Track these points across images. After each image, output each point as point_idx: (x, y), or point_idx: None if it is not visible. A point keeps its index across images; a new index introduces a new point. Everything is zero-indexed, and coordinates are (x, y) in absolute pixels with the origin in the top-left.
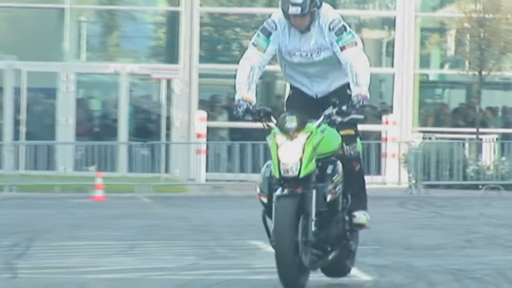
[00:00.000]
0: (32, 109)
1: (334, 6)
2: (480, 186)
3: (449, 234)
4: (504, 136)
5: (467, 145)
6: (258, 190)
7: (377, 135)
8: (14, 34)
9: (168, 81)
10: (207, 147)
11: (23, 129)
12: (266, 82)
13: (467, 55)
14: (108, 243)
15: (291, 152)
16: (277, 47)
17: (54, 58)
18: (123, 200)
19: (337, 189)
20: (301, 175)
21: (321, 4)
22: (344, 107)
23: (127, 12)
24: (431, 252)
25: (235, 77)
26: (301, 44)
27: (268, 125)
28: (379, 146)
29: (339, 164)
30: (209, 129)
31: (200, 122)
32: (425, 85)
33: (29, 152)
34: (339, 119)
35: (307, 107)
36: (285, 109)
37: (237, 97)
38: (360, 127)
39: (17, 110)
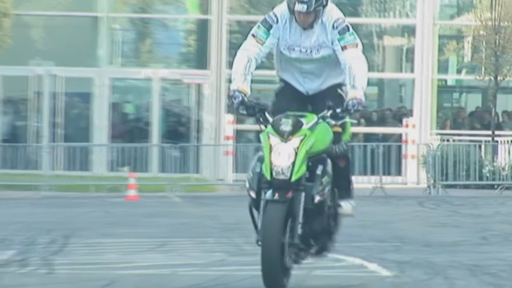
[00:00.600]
0: (69, 113)
1: (357, 14)
2: (496, 186)
3: (466, 232)
4: None
5: (483, 147)
6: (247, 185)
7: (398, 138)
8: (51, 41)
9: (198, 86)
10: (235, 149)
11: (60, 131)
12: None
13: (483, 61)
14: (140, 240)
15: (284, 155)
16: (277, 41)
17: (90, 64)
18: (155, 199)
19: (325, 190)
20: (293, 179)
21: (327, 2)
22: (338, 110)
23: (159, 20)
24: (448, 249)
25: (260, 82)
26: (302, 39)
27: (261, 121)
28: (399, 148)
29: (329, 164)
30: (236, 132)
31: (228, 125)
32: (443, 90)
33: (65, 154)
34: (332, 122)
35: (296, 102)
36: (275, 101)
37: (232, 87)
38: (381, 130)
39: (54, 114)
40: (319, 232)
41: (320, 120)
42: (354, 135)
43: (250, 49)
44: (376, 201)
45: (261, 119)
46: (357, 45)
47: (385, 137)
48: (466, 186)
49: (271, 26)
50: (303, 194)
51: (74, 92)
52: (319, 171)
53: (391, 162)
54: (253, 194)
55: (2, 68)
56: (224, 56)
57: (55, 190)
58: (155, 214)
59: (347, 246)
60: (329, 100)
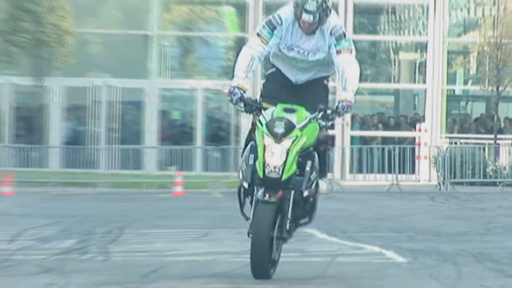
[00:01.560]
0: (123, 119)
1: (375, 32)
2: (498, 183)
3: (471, 224)
4: None
5: (486, 149)
6: (240, 175)
7: (412, 140)
8: (108, 56)
9: None
10: None
11: (115, 135)
12: None
13: (487, 73)
14: (185, 231)
15: (277, 155)
16: (279, 41)
17: (141, 76)
18: (199, 195)
19: (313, 186)
20: (283, 177)
21: (330, 12)
22: (329, 111)
23: (202, 37)
24: (456, 238)
25: None
26: (301, 42)
27: (258, 119)
28: (413, 150)
29: (316, 158)
30: None
31: None
32: (452, 99)
33: (120, 155)
34: (323, 123)
35: (286, 90)
36: (266, 84)
37: (233, 83)
38: (397, 133)
39: (110, 120)
40: (301, 217)
41: (312, 121)
42: (373, 138)
43: (254, 48)
44: (393, 196)
45: (257, 117)
46: (351, 51)
47: (401, 140)
48: (471, 183)
49: (275, 27)
50: (292, 192)
51: (128, 100)
52: (308, 167)
53: (406, 162)
54: (246, 185)
55: (65, 80)
56: (259, 69)
57: (111, 187)
58: (198, 208)
59: (367, 236)
60: (314, 89)
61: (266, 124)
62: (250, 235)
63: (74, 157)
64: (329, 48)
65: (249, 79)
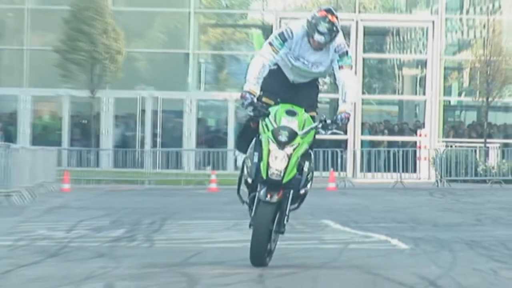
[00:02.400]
0: (165, 125)
1: (382, 51)
2: (487, 181)
3: (465, 215)
4: (504, 145)
5: (477, 151)
6: (245, 171)
7: (413, 144)
8: (152, 71)
9: None
10: None
11: (158, 139)
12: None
13: (478, 86)
14: (219, 222)
15: (279, 159)
16: (289, 51)
17: (181, 89)
18: (230, 191)
19: (309, 184)
20: (284, 180)
21: (338, 32)
22: (329, 121)
23: (233, 56)
24: (452, 228)
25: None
26: (307, 54)
27: (265, 124)
28: (414, 152)
29: (312, 159)
30: None
31: None
32: (448, 108)
33: (163, 156)
34: (323, 132)
35: (284, 88)
36: (267, 79)
37: (245, 88)
38: (401, 138)
39: (154, 126)
40: (293, 209)
41: (313, 130)
42: (380, 142)
43: (266, 56)
44: (397, 192)
45: (263, 122)
46: (351, 67)
47: (404, 144)
48: (465, 181)
49: (286, 40)
50: (291, 192)
51: (169, 110)
52: (306, 168)
53: (408, 163)
54: (249, 180)
55: (115, 92)
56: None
57: (155, 184)
58: (230, 202)
59: (375, 226)
60: (308, 89)
61: (272, 131)
62: (251, 227)
63: (123, 158)
64: (332, 62)
65: (259, 85)
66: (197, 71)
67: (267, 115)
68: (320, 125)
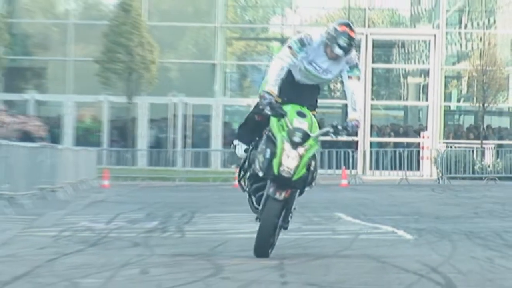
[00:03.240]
0: (195, 128)
1: (389, 61)
2: (483, 178)
3: (463, 209)
4: (499, 146)
5: (475, 151)
6: (257, 165)
7: (417, 145)
8: (183, 79)
9: None
10: None
11: (188, 141)
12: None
13: (475, 93)
14: (243, 215)
15: (291, 159)
16: (305, 55)
17: (209, 95)
18: None
19: (314, 182)
20: (294, 178)
21: (355, 46)
22: (340, 127)
23: (255, 66)
24: (452, 220)
25: (324, 107)
26: (320, 61)
27: (281, 124)
28: (418, 152)
29: (317, 159)
30: None
31: None
32: (448, 113)
33: (192, 156)
34: (334, 136)
35: (289, 84)
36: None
37: (264, 88)
38: (406, 139)
39: (185, 129)
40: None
41: (324, 133)
42: (387, 143)
43: (285, 59)
44: (402, 188)
45: (280, 122)
46: (359, 78)
47: (408, 145)
48: (463, 178)
49: (305, 45)
50: (298, 191)
51: (199, 114)
52: (312, 167)
53: (413, 162)
54: (260, 174)
55: (150, 98)
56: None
57: (185, 181)
58: None
59: (382, 218)
60: (310, 89)
61: (287, 132)
62: (258, 221)
63: (157, 158)
64: (341, 72)
65: (277, 86)
66: (223, 80)
67: (284, 115)
68: (332, 130)
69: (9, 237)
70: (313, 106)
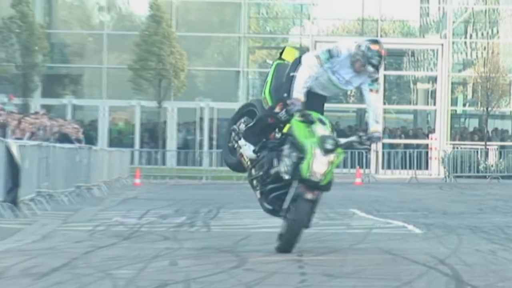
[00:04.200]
0: (220, 131)
1: (400, 69)
2: (487, 177)
3: (468, 205)
4: (501, 147)
5: (479, 152)
6: (283, 168)
7: (425, 146)
8: (209, 85)
9: None
10: None
11: (214, 142)
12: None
13: (479, 98)
14: None
15: (322, 164)
16: (331, 66)
17: (233, 100)
18: None
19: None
20: (323, 183)
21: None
22: (364, 138)
23: None
24: (458, 216)
25: (339, 111)
26: (344, 72)
27: (310, 130)
28: (426, 153)
29: None
30: None
31: None
32: (454, 116)
33: (218, 156)
34: (358, 146)
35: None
36: (289, 83)
37: (294, 96)
38: (415, 141)
39: (211, 131)
40: None
41: (350, 142)
42: (398, 144)
43: (313, 69)
44: (412, 186)
45: (309, 129)
46: (378, 91)
47: (418, 146)
48: (468, 177)
49: (333, 57)
50: (323, 193)
51: (223, 117)
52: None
53: (422, 161)
54: (287, 177)
55: (178, 103)
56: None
57: (211, 179)
58: None
59: (394, 214)
60: (320, 98)
61: (319, 138)
62: (286, 220)
63: (185, 158)
64: (361, 84)
65: (305, 94)
66: (246, 86)
67: (313, 122)
68: (357, 140)
69: (48, 231)
70: (321, 113)
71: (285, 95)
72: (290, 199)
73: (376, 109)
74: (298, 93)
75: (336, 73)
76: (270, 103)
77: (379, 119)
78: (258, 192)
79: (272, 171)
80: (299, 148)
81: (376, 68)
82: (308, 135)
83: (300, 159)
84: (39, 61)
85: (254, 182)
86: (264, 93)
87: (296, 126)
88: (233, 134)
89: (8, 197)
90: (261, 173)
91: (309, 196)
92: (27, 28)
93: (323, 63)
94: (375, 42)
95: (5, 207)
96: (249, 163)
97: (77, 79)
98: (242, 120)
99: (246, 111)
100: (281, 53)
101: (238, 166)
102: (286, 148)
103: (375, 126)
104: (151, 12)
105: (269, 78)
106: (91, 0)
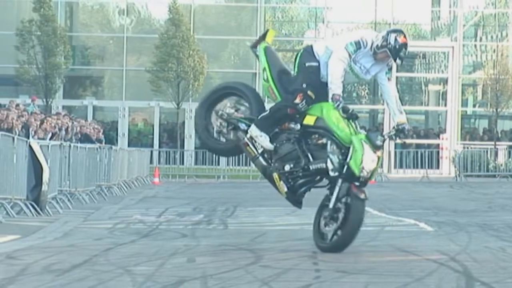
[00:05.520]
0: None
1: (411, 70)
2: (496, 176)
3: (478, 203)
4: (510, 146)
5: (489, 151)
6: (330, 166)
7: (437, 146)
8: None
9: None
10: None
11: None
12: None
13: (489, 99)
14: (280, 208)
15: (372, 161)
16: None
17: None
18: None
19: None
20: (372, 178)
21: None
22: (400, 129)
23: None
24: (468, 214)
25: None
26: (365, 61)
27: (353, 127)
28: (438, 152)
29: None
30: None
31: None
32: (465, 117)
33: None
34: (393, 139)
35: (320, 83)
36: (308, 74)
37: (336, 91)
38: (427, 141)
39: None
40: None
41: (390, 135)
42: (410, 144)
43: (344, 62)
44: (424, 184)
45: (352, 124)
46: (391, 79)
47: (429, 145)
48: (478, 176)
49: (360, 48)
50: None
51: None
52: None
53: (433, 161)
54: (334, 174)
55: (196, 104)
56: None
57: (228, 178)
58: None
59: (406, 212)
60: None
61: (367, 135)
62: (348, 223)
63: (202, 157)
64: (379, 72)
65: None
66: (262, 87)
67: (358, 118)
68: (394, 133)
69: (70, 229)
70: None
71: (304, 85)
72: (336, 197)
73: (397, 97)
74: (339, 88)
75: (358, 62)
76: (276, 92)
77: (401, 108)
78: (284, 186)
79: (313, 166)
80: (342, 144)
81: (403, 60)
82: (353, 131)
83: (346, 156)
84: (61, 63)
85: (276, 175)
86: (267, 81)
87: (336, 121)
88: (217, 118)
89: (31, 195)
90: (296, 168)
91: (362, 195)
92: (50, 30)
93: (351, 55)
94: (401, 33)
95: (28, 205)
96: (259, 153)
97: (97, 81)
98: (228, 104)
99: (224, 93)
100: (264, 36)
101: (227, 152)
102: (329, 144)
103: (401, 117)
104: (170, 16)
105: (265, 64)
106: (111, 4)
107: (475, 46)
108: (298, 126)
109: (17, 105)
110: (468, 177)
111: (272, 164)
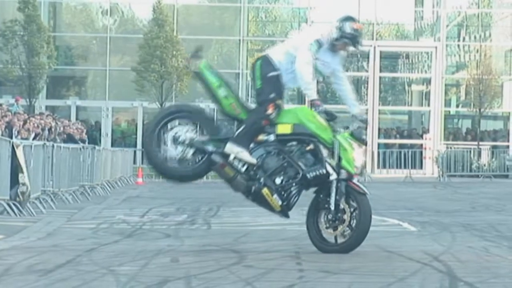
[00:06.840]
0: None
1: (394, 71)
2: (480, 176)
3: (462, 204)
4: (493, 147)
5: (472, 151)
6: (330, 169)
7: (420, 146)
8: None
9: None
10: None
11: None
12: None
13: (472, 100)
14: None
15: (361, 157)
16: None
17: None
18: None
19: None
20: (361, 175)
21: None
22: (366, 122)
23: None
24: (451, 214)
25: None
26: (325, 56)
27: (332, 128)
28: (421, 152)
29: None
30: None
31: None
32: (448, 117)
33: None
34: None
35: (283, 89)
36: (275, 83)
37: (314, 96)
38: (410, 141)
39: None
40: None
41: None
42: (393, 144)
43: (311, 63)
44: (407, 185)
45: (330, 125)
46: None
47: (413, 146)
48: (462, 176)
49: (321, 46)
50: None
51: (224, 118)
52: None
53: (416, 161)
54: (335, 176)
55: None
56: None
57: (212, 179)
58: None
59: (389, 212)
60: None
61: (353, 132)
62: (359, 223)
63: None
64: (337, 65)
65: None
66: (246, 88)
67: (336, 117)
68: (363, 126)
69: (53, 229)
70: None
71: (272, 95)
72: (335, 198)
73: (352, 89)
74: (314, 92)
75: (319, 59)
76: (239, 108)
77: (356, 101)
78: (279, 200)
79: (311, 174)
80: (326, 147)
81: (361, 46)
82: (331, 130)
83: (338, 157)
84: (44, 63)
85: (267, 190)
86: (228, 98)
87: (318, 125)
88: (176, 146)
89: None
90: (289, 179)
91: (363, 190)
92: (34, 30)
93: (315, 54)
94: (353, 19)
95: (12, 206)
96: (242, 171)
97: (81, 81)
98: (186, 128)
99: (170, 118)
100: (196, 53)
101: (191, 177)
102: (321, 150)
103: (358, 108)
104: (154, 16)
105: (219, 81)
106: (94, 4)
107: (458, 46)
108: (272, 137)
109: (0, 105)
110: (451, 177)
111: (257, 180)
